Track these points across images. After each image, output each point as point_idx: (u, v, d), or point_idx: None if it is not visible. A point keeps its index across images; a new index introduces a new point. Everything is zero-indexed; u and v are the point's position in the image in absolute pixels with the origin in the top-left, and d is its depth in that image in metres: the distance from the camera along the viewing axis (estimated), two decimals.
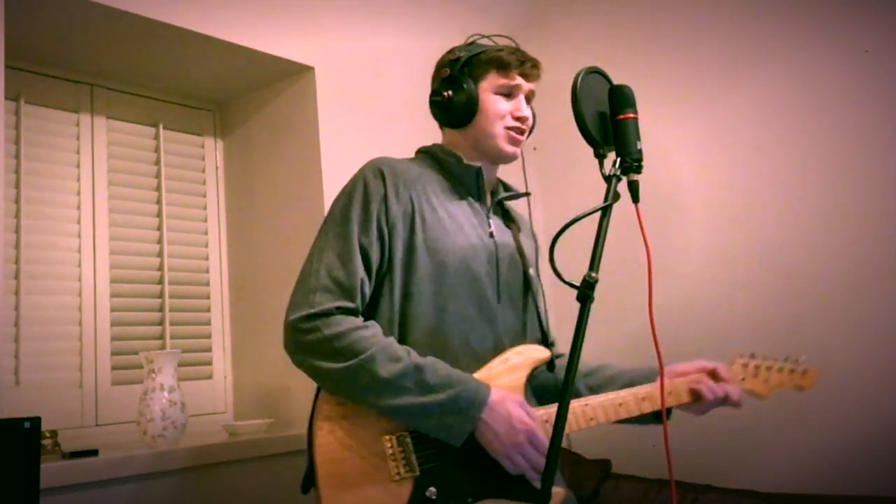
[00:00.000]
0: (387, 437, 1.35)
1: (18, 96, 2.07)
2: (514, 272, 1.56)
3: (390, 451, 1.34)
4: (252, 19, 2.15)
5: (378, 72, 2.46)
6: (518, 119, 1.53)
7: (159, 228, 2.33)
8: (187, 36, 2.03)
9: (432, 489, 1.33)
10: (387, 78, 2.49)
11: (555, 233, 1.21)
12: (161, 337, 2.27)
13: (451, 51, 1.59)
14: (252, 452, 1.96)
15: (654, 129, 2.16)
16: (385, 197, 1.44)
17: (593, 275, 1.15)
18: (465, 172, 1.56)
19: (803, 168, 2.26)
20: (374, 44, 2.47)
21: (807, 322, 2.17)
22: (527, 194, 1.65)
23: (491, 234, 1.54)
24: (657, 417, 1.53)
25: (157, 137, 2.37)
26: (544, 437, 1.34)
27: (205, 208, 2.47)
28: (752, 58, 2.38)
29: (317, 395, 1.40)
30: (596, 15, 2.76)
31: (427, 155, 1.62)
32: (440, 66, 1.61)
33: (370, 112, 2.41)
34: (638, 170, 1.26)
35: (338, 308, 1.36)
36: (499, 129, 1.52)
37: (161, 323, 2.28)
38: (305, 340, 1.35)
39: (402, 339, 1.41)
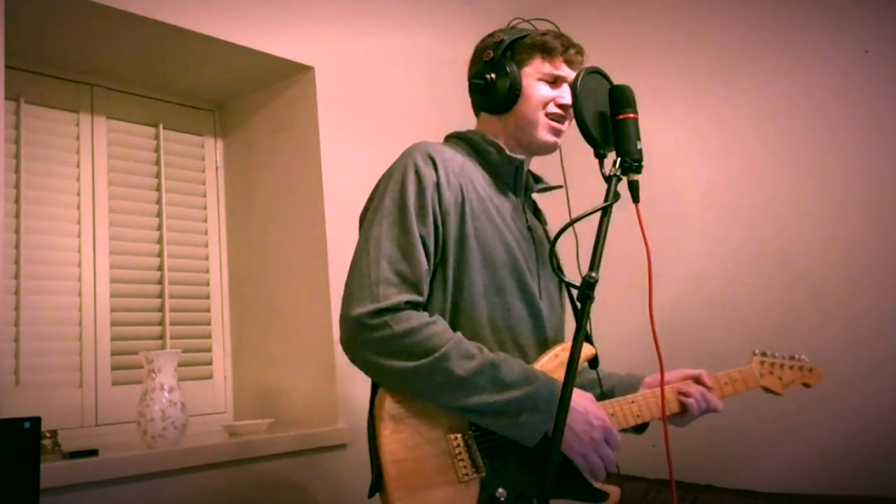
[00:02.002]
0: (452, 435, 1.31)
1: (18, 96, 2.07)
2: (549, 267, 1.53)
3: (457, 451, 1.30)
4: (252, 19, 2.15)
5: (378, 72, 2.46)
6: (560, 107, 1.48)
7: (159, 228, 2.32)
8: (187, 36, 2.03)
9: (501, 490, 1.31)
10: (387, 78, 2.49)
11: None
12: (161, 337, 2.27)
13: (493, 34, 1.53)
14: (252, 452, 1.96)
15: (654, 129, 2.17)
16: (438, 184, 1.38)
17: (593, 275, 1.15)
18: (506, 165, 1.51)
19: (803, 167, 2.26)
20: (374, 44, 2.47)
21: (807, 321, 2.17)
22: (560, 187, 1.60)
23: (529, 228, 1.52)
24: (636, 427, 1.54)
25: (157, 137, 2.37)
26: (617, 432, 1.35)
27: (205, 208, 2.47)
28: (751, 57, 2.38)
29: (373, 395, 1.36)
30: (595, 15, 2.76)
31: (464, 142, 1.54)
32: (482, 48, 1.53)
33: (370, 112, 2.41)
34: (638, 170, 1.26)
35: (406, 303, 1.29)
36: (540, 117, 1.48)
37: (161, 323, 2.28)
38: (373, 337, 1.27)
39: (452, 329, 1.36)
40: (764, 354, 1.70)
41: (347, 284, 1.34)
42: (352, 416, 2.15)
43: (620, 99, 1.30)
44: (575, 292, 1.43)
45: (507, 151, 1.50)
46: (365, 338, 1.28)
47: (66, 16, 1.88)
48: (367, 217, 1.41)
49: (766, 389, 1.68)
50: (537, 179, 1.64)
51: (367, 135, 2.38)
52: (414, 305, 1.32)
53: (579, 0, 2.79)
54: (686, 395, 1.53)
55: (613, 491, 1.39)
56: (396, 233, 1.34)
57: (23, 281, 2.01)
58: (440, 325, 1.32)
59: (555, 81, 1.49)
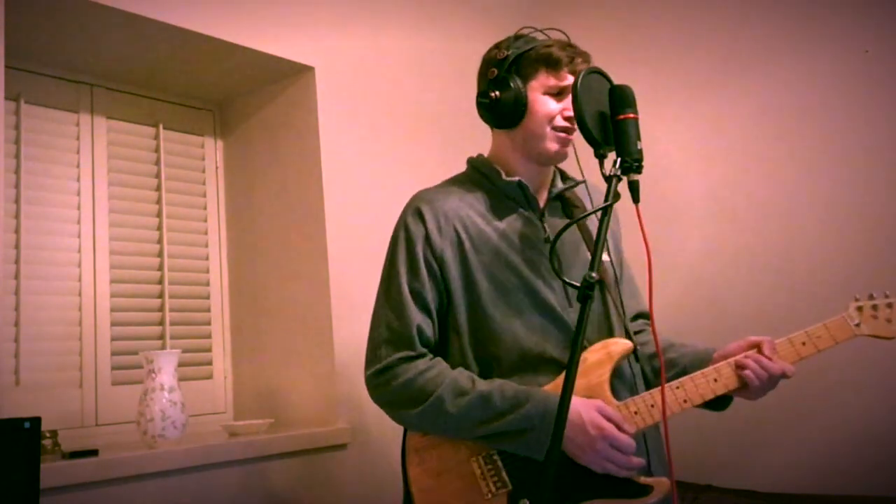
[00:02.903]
0: (474, 458, 1.39)
1: (18, 96, 2.07)
2: (582, 267, 1.48)
3: (479, 472, 1.38)
4: (252, 19, 2.15)
5: (378, 72, 2.46)
6: (568, 119, 1.48)
7: (159, 228, 2.32)
8: (187, 36, 2.03)
9: (526, 501, 1.35)
10: (387, 78, 2.49)
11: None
12: (161, 337, 2.27)
13: (499, 46, 1.53)
14: (252, 452, 1.96)
15: (654, 129, 2.17)
16: (427, 236, 1.47)
17: (593, 275, 1.14)
18: (507, 186, 1.53)
19: (803, 167, 2.26)
20: (374, 44, 2.47)
21: (806, 321, 2.16)
22: (583, 182, 1.60)
23: (547, 240, 1.50)
24: (716, 404, 1.49)
25: (157, 137, 2.37)
26: (626, 436, 1.32)
27: (205, 208, 2.47)
28: (752, 57, 2.38)
29: (405, 430, 1.48)
30: (596, 15, 2.76)
31: (473, 169, 1.61)
32: (487, 63, 1.54)
33: (370, 112, 2.41)
34: (638, 170, 1.25)
35: (399, 359, 1.43)
36: (547, 131, 1.49)
37: (161, 323, 2.28)
38: (382, 394, 1.45)
39: (480, 363, 1.45)
40: (870, 297, 1.54)
41: (366, 348, 1.50)
42: (352, 416, 2.15)
43: (621, 99, 1.30)
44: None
45: (504, 175, 1.53)
46: (377, 396, 1.47)
47: (66, 16, 1.88)
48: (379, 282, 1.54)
49: (873, 336, 1.53)
50: (564, 177, 1.63)
51: (367, 135, 2.38)
52: (408, 360, 1.43)
53: (580, 1, 2.79)
54: (742, 367, 1.44)
55: (659, 483, 1.36)
56: (390, 295, 1.48)
57: (23, 281, 2.01)
58: (434, 371, 1.42)
59: (560, 93, 1.49)
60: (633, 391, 1.46)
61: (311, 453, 2.08)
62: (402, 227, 1.51)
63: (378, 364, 1.44)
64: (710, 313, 2.38)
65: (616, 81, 1.34)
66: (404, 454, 1.44)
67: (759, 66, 2.36)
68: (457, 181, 1.59)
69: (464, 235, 1.48)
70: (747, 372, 1.42)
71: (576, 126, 1.46)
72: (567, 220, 1.57)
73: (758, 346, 1.46)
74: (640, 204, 1.24)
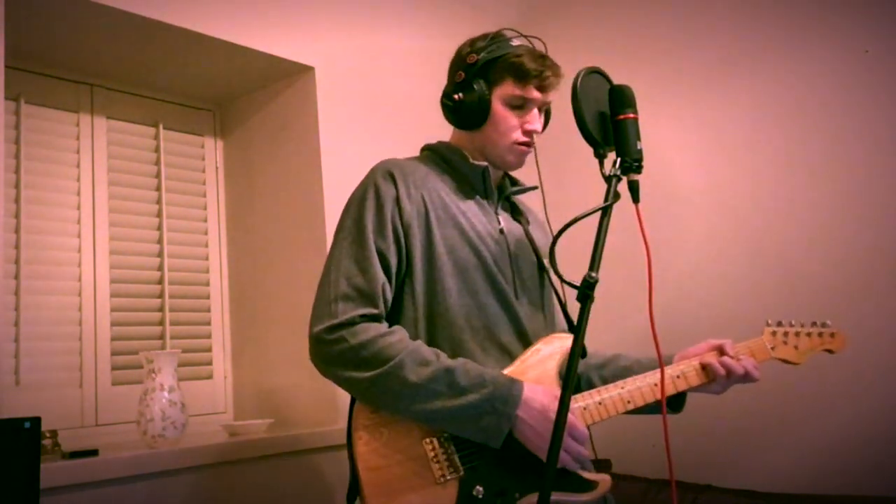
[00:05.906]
0: (427, 439, 1.34)
1: (18, 96, 2.07)
2: (529, 266, 1.55)
3: (432, 454, 1.33)
4: (252, 19, 2.15)
5: (378, 72, 2.47)
6: (527, 133, 1.50)
7: (159, 228, 2.33)
8: (187, 36, 2.03)
9: (479, 488, 1.31)
10: (387, 78, 2.49)
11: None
12: (161, 337, 2.27)
13: (472, 45, 1.53)
14: (252, 452, 1.96)
15: (654, 128, 2.17)
16: (397, 198, 1.43)
17: (593, 275, 1.15)
18: (471, 171, 1.54)
19: (803, 167, 2.26)
20: (374, 44, 2.47)
21: (806, 319, 2.17)
22: (534, 188, 1.62)
23: (501, 231, 1.53)
24: (672, 405, 1.54)
25: (157, 137, 2.37)
26: (583, 425, 1.34)
27: (205, 208, 2.47)
28: (751, 57, 2.38)
29: (352, 405, 1.40)
30: (595, 15, 2.76)
31: (433, 153, 1.59)
32: (458, 62, 1.54)
33: (370, 112, 2.41)
34: (638, 170, 1.26)
35: (361, 316, 1.35)
36: (506, 142, 1.50)
37: (161, 323, 2.28)
38: (331, 351, 1.34)
39: (430, 337, 1.41)
40: (779, 324, 1.63)
41: (313, 304, 1.41)
42: None
43: (620, 99, 1.30)
44: (565, 292, 1.45)
45: (471, 159, 1.53)
46: (325, 353, 1.36)
47: (66, 16, 1.89)
48: (333, 239, 1.47)
49: (783, 360, 1.62)
50: (514, 182, 1.65)
51: (366, 135, 2.38)
52: (370, 318, 1.36)
53: (579, 1, 2.79)
54: (706, 364, 1.52)
55: (602, 479, 1.36)
56: (354, 250, 1.40)
57: (23, 281, 2.01)
58: (396, 336, 1.35)
59: (523, 105, 1.49)
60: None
61: (311, 453, 2.08)
62: (370, 186, 1.45)
63: (334, 319, 1.34)
64: (709, 312, 2.38)
65: (616, 81, 1.34)
66: (350, 432, 1.37)
67: (759, 65, 2.36)
68: (420, 160, 1.57)
69: (430, 206, 1.46)
70: (711, 362, 1.50)
71: (534, 140, 1.51)
72: (517, 222, 1.61)
73: (720, 348, 1.54)
74: (639, 203, 1.24)
